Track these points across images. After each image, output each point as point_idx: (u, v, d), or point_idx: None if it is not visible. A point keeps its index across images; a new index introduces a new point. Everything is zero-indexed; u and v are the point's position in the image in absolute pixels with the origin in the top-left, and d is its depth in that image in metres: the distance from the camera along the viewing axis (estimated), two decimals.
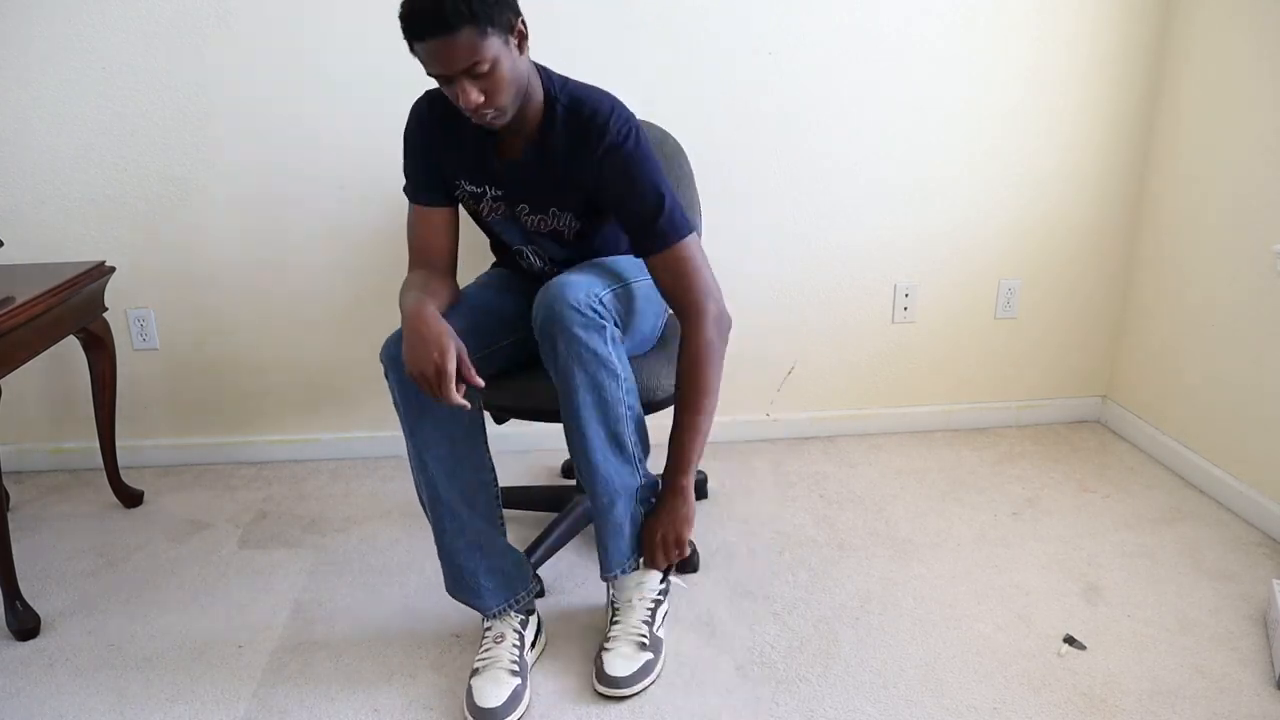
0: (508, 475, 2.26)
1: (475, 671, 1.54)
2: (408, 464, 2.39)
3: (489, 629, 1.60)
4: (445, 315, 1.52)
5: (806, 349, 2.47)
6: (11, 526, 2.07)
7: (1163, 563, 1.92)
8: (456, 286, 1.63)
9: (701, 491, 2.21)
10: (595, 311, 1.43)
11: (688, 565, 1.89)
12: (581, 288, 1.44)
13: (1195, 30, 2.19)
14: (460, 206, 1.66)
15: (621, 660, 1.55)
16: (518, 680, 1.52)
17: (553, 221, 1.60)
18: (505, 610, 1.59)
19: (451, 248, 1.63)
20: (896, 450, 2.46)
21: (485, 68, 1.35)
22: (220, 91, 2.12)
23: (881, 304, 2.45)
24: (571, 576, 1.88)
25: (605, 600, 1.76)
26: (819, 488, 2.26)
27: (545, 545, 1.85)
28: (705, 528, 2.07)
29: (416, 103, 1.61)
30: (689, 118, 2.21)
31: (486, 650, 1.56)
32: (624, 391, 1.48)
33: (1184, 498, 2.19)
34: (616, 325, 1.48)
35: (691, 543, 1.88)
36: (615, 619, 1.63)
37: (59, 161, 2.14)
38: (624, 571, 1.58)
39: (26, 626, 1.71)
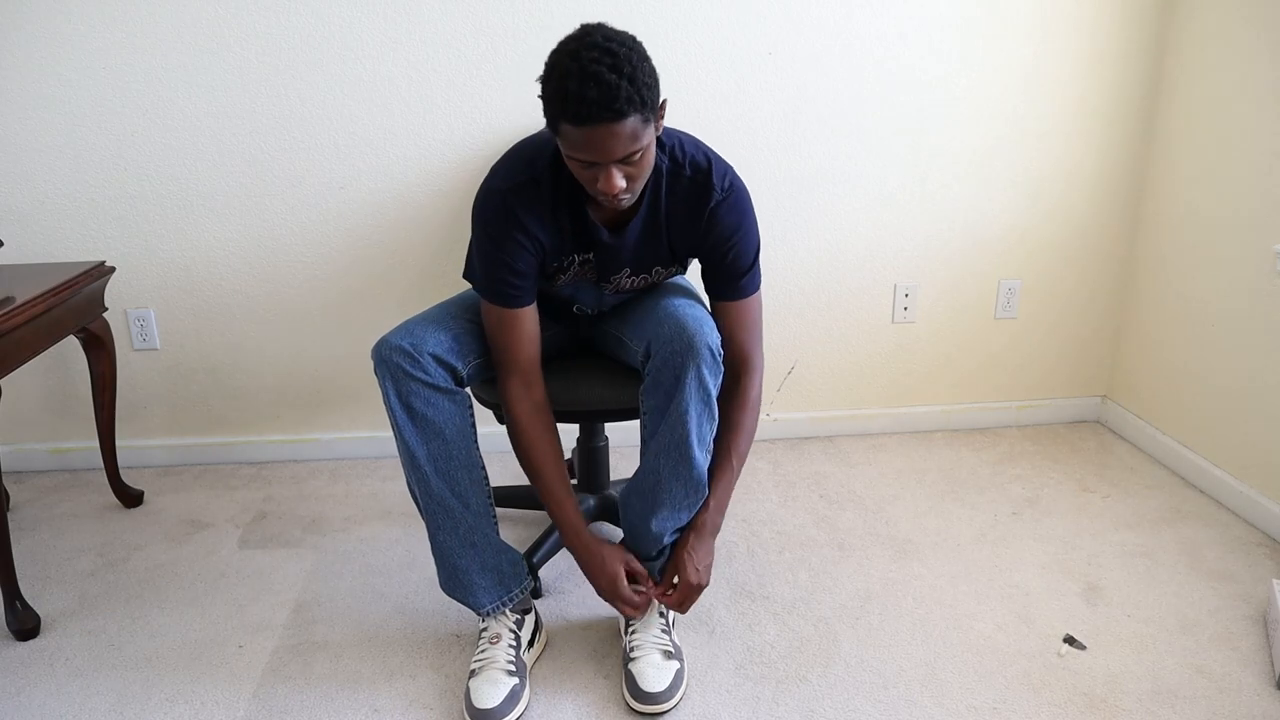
0: (509, 475, 2.26)
1: (473, 673, 1.54)
2: None
3: (485, 629, 1.60)
4: (451, 321, 1.55)
5: (806, 349, 2.47)
6: (11, 526, 2.08)
7: (1163, 563, 1.93)
8: (542, 380, 1.59)
9: None
10: (719, 358, 1.47)
11: None
12: (710, 328, 1.47)
13: (1195, 30, 2.19)
14: None
15: (654, 671, 1.52)
16: (515, 680, 1.52)
17: (653, 278, 1.63)
18: (500, 609, 1.59)
19: (539, 350, 1.57)
20: (896, 450, 2.46)
21: (639, 156, 1.31)
22: (220, 92, 2.12)
23: (881, 304, 2.45)
24: (572, 577, 1.88)
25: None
26: (819, 488, 2.26)
27: (546, 546, 1.85)
28: None
29: (493, 202, 1.46)
30: (689, 118, 2.21)
31: (483, 651, 1.56)
32: (711, 440, 1.53)
33: (1184, 498, 2.19)
34: None
35: None
36: (633, 628, 1.61)
37: (59, 161, 2.14)
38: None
39: (26, 626, 1.71)
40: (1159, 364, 2.39)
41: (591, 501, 1.94)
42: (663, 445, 1.49)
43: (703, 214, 1.50)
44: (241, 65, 2.10)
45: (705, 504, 1.58)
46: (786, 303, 2.41)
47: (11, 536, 1.76)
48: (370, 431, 2.42)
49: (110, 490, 2.20)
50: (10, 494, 2.25)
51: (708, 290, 1.60)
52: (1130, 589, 1.83)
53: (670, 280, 1.70)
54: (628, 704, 1.52)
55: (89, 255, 2.21)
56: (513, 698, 1.49)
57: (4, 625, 1.73)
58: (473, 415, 1.55)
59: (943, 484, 2.27)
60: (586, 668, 1.62)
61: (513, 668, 1.54)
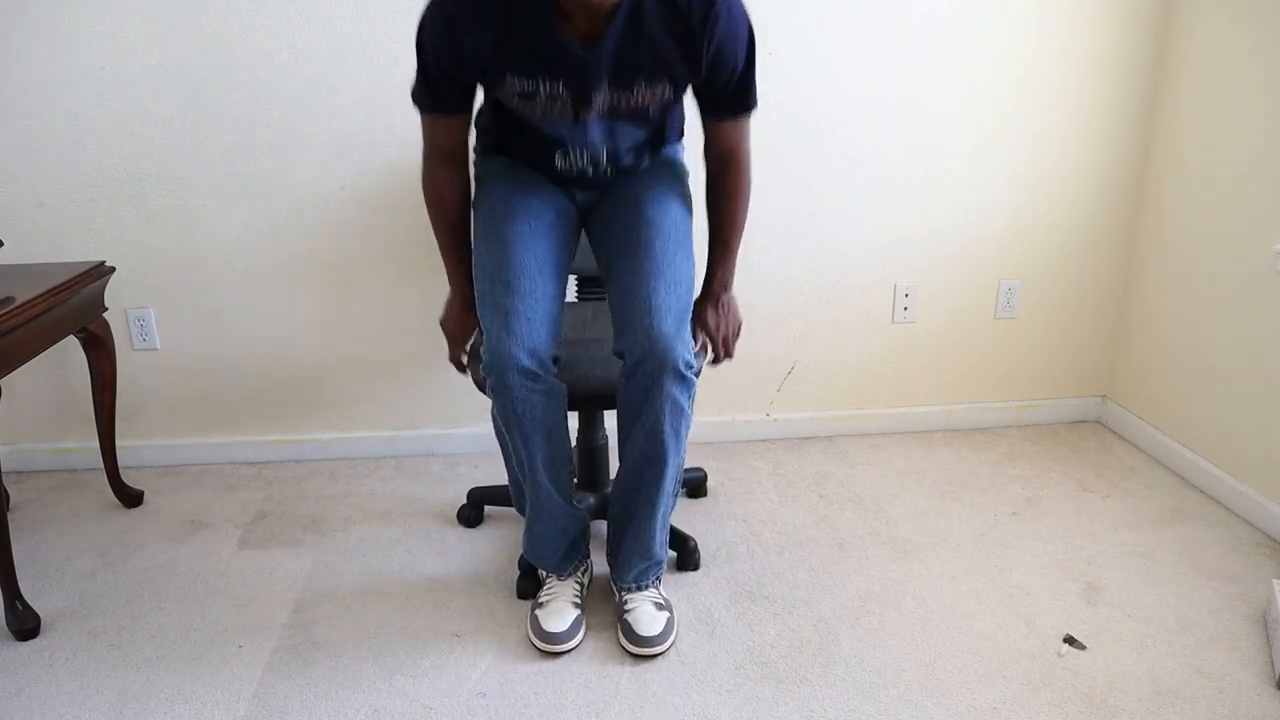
0: (498, 475, 2.26)
1: (541, 605, 1.69)
2: (407, 464, 2.40)
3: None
4: (546, 305, 1.55)
5: (806, 349, 2.47)
6: (11, 526, 2.08)
7: (1163, 563, 1.93)
8: (468, 170, 1.66)
9: (701, 490, 2.21)
10: (692, 367, 1.53)
11: (688, 562, 1.89)
12: (684, 339, 1.52)
13: (1195, 30, 2.19)
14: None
15: (648, 619, 1.65)
16: (579, 611, 1.69)
17: (637, 99, 1.51)
18: (575, 569, 1.75)
19: (466, 139, 1.61)
20: (896, 450, 2.46)
21: None
22: (220, 92, 2.12)
23: (881, 304, 2.45)
24: None
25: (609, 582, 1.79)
26: (819, 488, 2.26)
27: None
28: (705, 528, 2.07)
29: (436, 5, 1.42)
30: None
31: (551, 588, 1.72)
32: (684, 444, 1.62)
33: (1184, 498, 2.19)
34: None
35: (693, 540, 1.90)
36: (625, 585, 1.72)
37: (59, 161, 2.14)
38: (650, 583, 1.73)
39: (26, 626, 1.71)
40: (1159, 364, 2.38)
41: (591, 500, 1.94)
42: (637, 458, 1.61)
43: (709, 14, 1.41)
44: (241, 65, 2.10)
45: (712, 274, 1.69)
46: (786, 302, 2.41)
47: (11, 536, 1.76)
48: (370, 431, 2.43)
49: (110, 490, 2.20)
50: (10, 494, 2.25)
51: (704, 109, 1.58)
52: (1130, 589, 1.83)
53: (669, 227, 1.60)
54: (624, 649, 1.64)
55: (89, 255, 2.21)
56: (577, 625, 1.67)
57: (4, 625, 1.73)
58: (565, 404, 1.62)
59: (943, 484, 2.27)
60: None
61: (579, 601, 1.71)
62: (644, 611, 1.66)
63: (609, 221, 1.66)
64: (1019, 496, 2.21)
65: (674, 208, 1.64)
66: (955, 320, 2.49)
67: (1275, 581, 1.70)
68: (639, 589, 1.71)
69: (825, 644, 1.68)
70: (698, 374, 1.57)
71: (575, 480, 2.01)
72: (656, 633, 1.64)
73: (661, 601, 1.71)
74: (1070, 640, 1.68)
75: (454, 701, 1.54)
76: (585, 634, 1.69)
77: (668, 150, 1.74)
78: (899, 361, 2.51)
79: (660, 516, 1.66)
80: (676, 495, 1.70)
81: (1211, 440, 2.20)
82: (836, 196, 2.34)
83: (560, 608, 1.68)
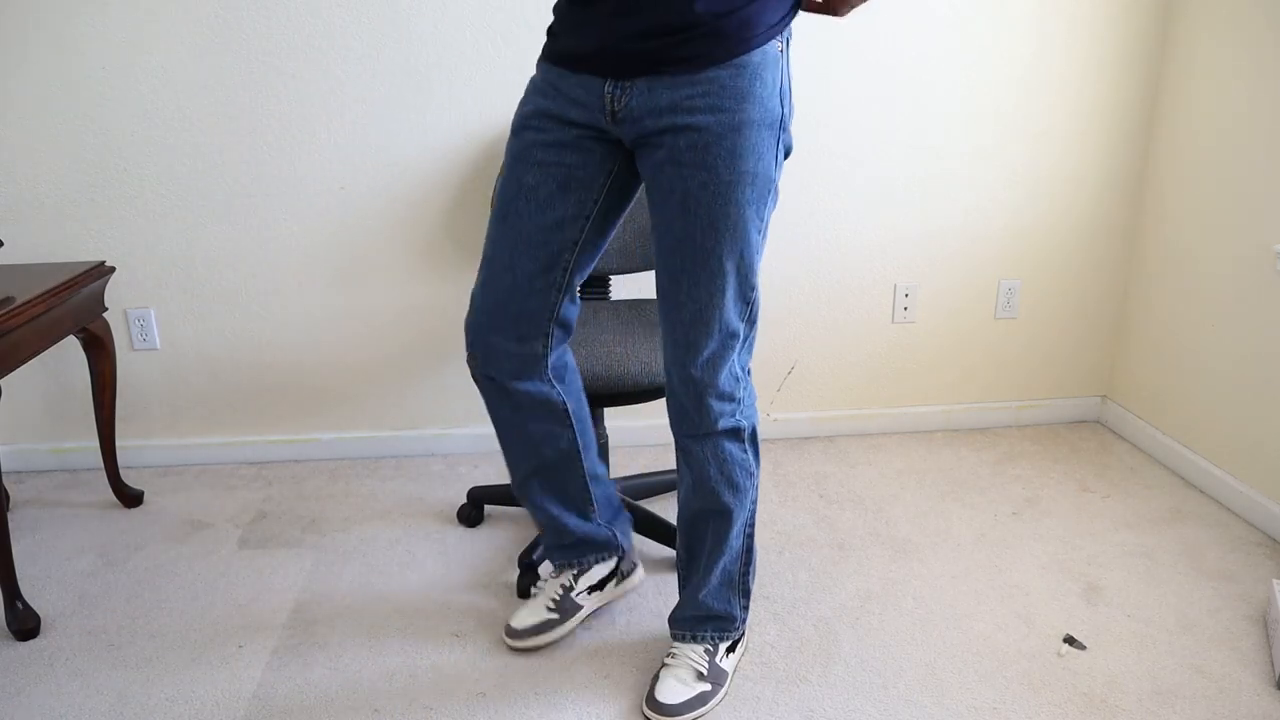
0: (497, 474, 2.25)
1: (528, 600, 1.70)
2: (407, 464, 2.40)
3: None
4: (531, 320, 1.42)
5: (806, 349, 2.47)
6: (11, 526, 2.08)
7: (1163, 563, 1.93)
8: None
9: None
10: (739, 412, 1.41)
11: None
12: (725, 393, 1.37)
13: (1195, 31, 2.19)
14: None
15: (675, 684, 1.50)
16: (554, 615, 1.66)
17: None
18: (564, 568, 1.71)
19: None
20: (896, 450, 2.46)
21: None
22: (220, 91, 2.12)
23: (881, 304, 2.45)
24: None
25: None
26: (819, 488, 2.26)
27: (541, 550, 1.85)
28: None
29: None
30: None
31: (542, 583, 1.72)
32: (750, 494, 1.48)
33: (1184, 498, 2.20)
34: (749, 406, 1.43)
35: None
36: (672, 633, 1.60)
37: (59, 161, 2.14)
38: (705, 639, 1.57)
39: (26, 626, 1.71)
40: (1159, 364, 2.39)
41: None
42: (693, 507, 1.49)
43: None
44: (241, 65, 2.10)
45: None
46: (786, 303, 2.41)
47: (11, 536, 1.76)
48: (370, 431, 2.43)
49: (110, 490, 2.20)
50: (10, 494, 2.25)
51: None
52: (1130, 589, 1.83)
53: (723, 251, 1.29)
54: (641, 710, 1.52)
55: (89, 255, 2.21)
56: (543, 627, 1.65)
57: (4, 625, 1.73)
58: (553, 414, 1.52)
59: (943, 484, 2.27)
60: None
61: (553, 604, 1.67)
62: (675, 676, 1.51)
63: (656, 208, 1.32)
64: (1019, 496, 2.21)
65: (734, 212, 1.27)
66: (955, 320, 2.49)
67: (1275, 581, 1.70)
68: (687, 640, 1.55)
69: (825, 644, 1.68)
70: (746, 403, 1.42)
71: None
72: (674, 702, 1.47)
73: (705, 669, 1.51)
74: (1070, 640, 1.68)
75: (454, 701, 1.54)
76: (563, 636, 1.67)
77: (747, 58, 1.23)
78: (899, 361, 2.51)
79: (719, 569, 1.50)
80: (748, 550, 1.53)
81: (1211, 440, 2.20)
82: (836, 196, 2.34)
83: (534, 607, 1.67)
